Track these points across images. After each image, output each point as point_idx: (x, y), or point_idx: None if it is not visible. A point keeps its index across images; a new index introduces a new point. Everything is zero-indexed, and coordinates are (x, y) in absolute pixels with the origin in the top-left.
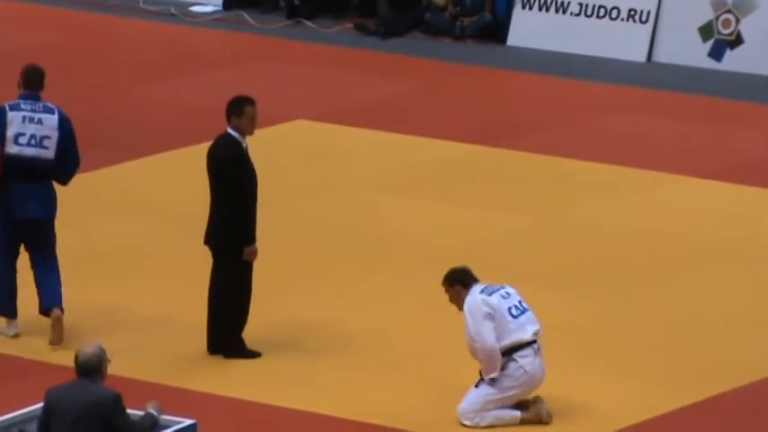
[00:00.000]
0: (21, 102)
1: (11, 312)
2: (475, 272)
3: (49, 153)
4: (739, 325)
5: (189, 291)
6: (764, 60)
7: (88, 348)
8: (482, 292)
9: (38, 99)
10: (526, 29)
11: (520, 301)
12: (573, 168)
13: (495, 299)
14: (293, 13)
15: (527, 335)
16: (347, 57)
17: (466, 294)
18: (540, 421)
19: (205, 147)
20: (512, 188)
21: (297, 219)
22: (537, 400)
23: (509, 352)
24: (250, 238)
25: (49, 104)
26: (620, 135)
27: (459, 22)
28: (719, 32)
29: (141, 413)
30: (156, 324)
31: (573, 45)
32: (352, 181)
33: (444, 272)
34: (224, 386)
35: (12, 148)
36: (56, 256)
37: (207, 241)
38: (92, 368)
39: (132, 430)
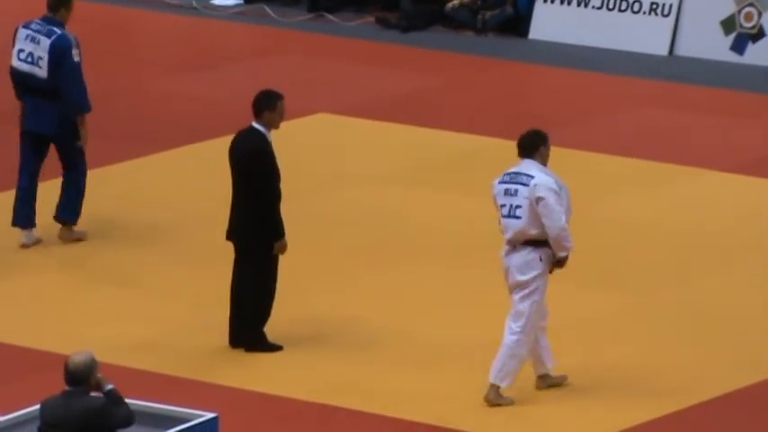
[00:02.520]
0: (35, 22)
1: (24, 223)
2: (496, 266)
3: (42, 72)
4: (765, 319)
5: (210, 285)
6: None
7: (78, 357)
8: (504, 174)
9: (51, 22)
10: (548, 22)
11: (517, 207)
12: (594, 162)
13: (497, 189)
14: (315, 7)
15: (504, 233)
16: (369, 50)
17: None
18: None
19: (226, 140)
20: None
21: (319, 212)
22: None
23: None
24: (280, 232)
25: (54, 29)
26: (641, 129)
27: (480, 16)
28: (742, 26)
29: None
30: (177, 318)
31: (595, 38)
32: (375, 174)
33: (466, 265)
34: (246, 380)
35: (13, 62)
36: (77, 170)
37: (231, 237)
38: (80, 378)
39: (125, 419)
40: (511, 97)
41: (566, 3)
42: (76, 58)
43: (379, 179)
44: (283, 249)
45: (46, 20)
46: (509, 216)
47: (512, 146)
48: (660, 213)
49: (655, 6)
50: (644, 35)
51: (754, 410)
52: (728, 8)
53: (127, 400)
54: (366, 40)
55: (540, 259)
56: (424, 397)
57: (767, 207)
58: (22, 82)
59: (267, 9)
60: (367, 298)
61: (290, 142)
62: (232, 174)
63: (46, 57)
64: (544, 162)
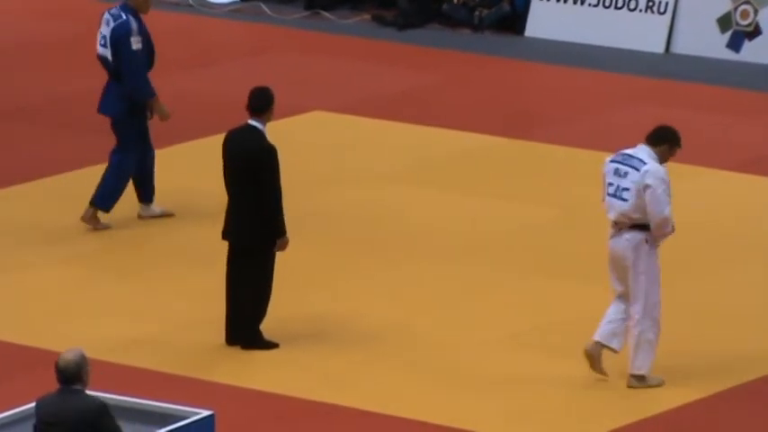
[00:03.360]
0: (115, 6)
1: (143, 197)
2: (496, 264)
3: (109, 54)
4: (764, 316)
5: (207, 282)
6: None
7: (68, 355)
8: (616, 153)
9: (124, 7)
10: (544, 20)
11: (624, 189)
12: (592, 159)
13: (608, 167)
14: (311, 4)
15: (607, 213)
16: (365, 48)
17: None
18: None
19: (219, 138)
20: (533, 180)
21: (316, 210)
22: None
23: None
24: (283, 229)
25: (122, 14)
26: (638, 126)
27: (477, 14)
28: (738, 23)
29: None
30: (174, 315)
31: (591, 36)
32: (371, 172)
33: (467, 263)
34: (242, 377)
35: (96, 47)
36: (119, 154)
37: (229, 236)
38: (71, 376)
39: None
40: (507, 95)
41: (562, 0)
42: (134, 46)
43: (376, 177)
44: (285, 246)
45: (122, 5)
46: (614, 196)
47: (509, 143)
48: None
49: (651, 4)
50: (640, 33)
51: (755, 406)
52: (724, 6)
53: (122, 398)
54: (362, 38)
55: (646, 241)
56: (427, 396)
57: (764, 205)
58: (102, 65)
59: (263, 6)
60: (365, 296)
61: (286, 140)
62: (229, 172)
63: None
64: (662, 160)
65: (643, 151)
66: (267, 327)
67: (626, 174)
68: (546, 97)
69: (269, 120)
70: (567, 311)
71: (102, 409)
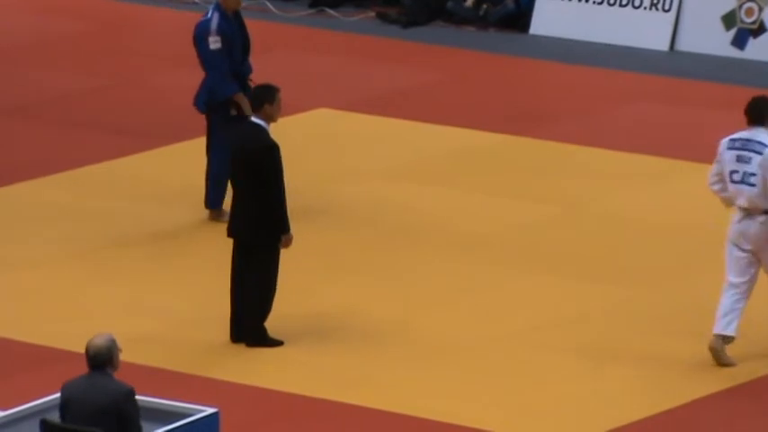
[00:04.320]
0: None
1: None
2: (498, 261)
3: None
4: (761, 313)
5: (210, 279)
6: None
7: (98, 340)
8: (731, 140)
9: (215, 5)
10: (549, 17)
11: (750, 174)
12: (596, 157)
13: (728, 155)
14: (315, 2)
15: (735, 201)
16: (369, 46)
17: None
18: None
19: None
20: (536, 177)
21: (320, 207)
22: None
23: None
24: (287, 226)
25: (209, 12)
26: (643, 124)
27: (481, 11)
28: (742, 21)
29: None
30: (178, 313)
31: (595, 34)
32: (376, 169)
33: (470, 261)
34: (247, 375)
35: None
36: (213, 155)
37: (234, 233)
38: (102, 360)
39: (138, 428)
40: (511, 92)
41: None
42: (212, 45)
43: (381, 174)
44: (289, 243)
45: (215, 3)
46: (742, 182)
47: (513, 141)
48: (661, 208)
49: (655, 1)
50: (645, 30)
51: (755, 404)
52: (729, 3)
53: None
54: (367, 36)
55: None
56: (430, 393)
57: None
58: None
59: (268, 4)
60: (370, 293)
61: (290, 137)
62: (234, 169)
63: None
64: None
65: (758, 133)
66: (271, 324)
67: (750, 159)
68: (550, 95)
69: (272, 115)
70: (569, 309)
71: (131, 394)
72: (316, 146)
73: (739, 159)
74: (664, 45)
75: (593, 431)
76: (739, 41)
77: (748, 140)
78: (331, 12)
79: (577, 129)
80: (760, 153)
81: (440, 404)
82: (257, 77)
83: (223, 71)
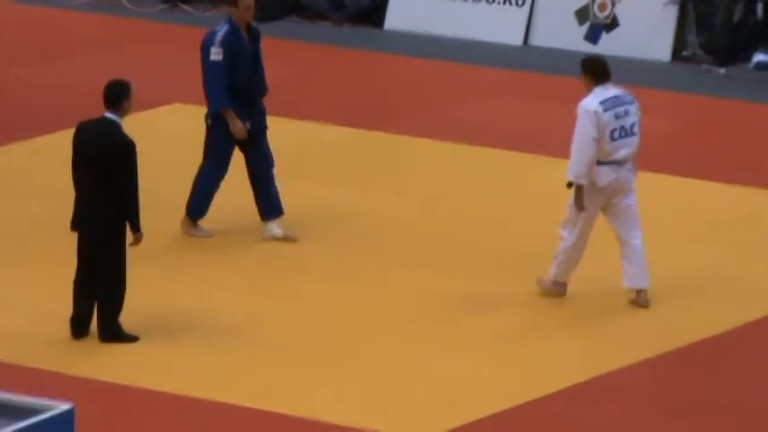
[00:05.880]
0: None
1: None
2: (356, 253)
3: None
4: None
5: (62, 274)
6: (640, 44)
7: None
8: (602, 103)
9: (227, 18)
10: (403, 12)
11: (632, 125)
12: (449, 151)
13: (606, 117)
14: None
15: (614, 156)
16: None
17: (591, 88)
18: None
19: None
20: (391, 171)
21: (175, 201)
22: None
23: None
24: (139, 224)
25: (220, 24)
26: (498, 117)
27: (337, 6)
28: (595, 16)
29: None
30: (30, 308)
31: (450, 29)
32: (231, 165)
33: (338, 253)
34: (101, 370)
35: None
36: (206, 165)
37: (82, 227)
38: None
39: None
40: (368, 87)
41: None
42: (213, 57)
43: (235, 169)
44: (140, 241)
45: (228, 16)
46: (626, 135)
47: (370, 135)
48: (516, 201)
49: None
50: (499, 25)
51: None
52: None
53: None
54: None
55: None
56: (281, 387)
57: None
58: None
59: None
60: (225, 289)
61: (145, 132)
62: (82, 165)
63: None
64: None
65: (616, 88)
66: (126, 320)
67: (627, 112)
68: (404, 90)
69: (126, 113)
70: (425, 303)
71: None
72: (170, 141)
73: (617, 117)
74: (518, 40)
75: (435, 429)
76: (592, 36)
77: (616, 97)
78: (185, 7)
79: (434, 123)
80: (633, 102)
81: (292, 398)
82: (112, 72)
83: (218, 84)
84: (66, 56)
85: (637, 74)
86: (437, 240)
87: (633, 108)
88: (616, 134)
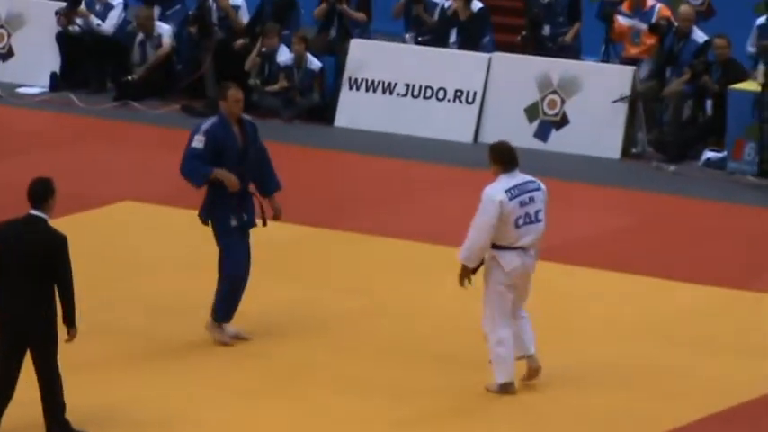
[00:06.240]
0: None
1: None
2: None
3: None
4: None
5: None
6: (589, 141)
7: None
8: (507, 192)
9: (219, 112)
10: (353, 110)
11: (537, 212)
12: (402, 248)
13: (511, 205)
14: (121, 95)
15: (520, 242)
16: (175, 138)
17: (498, 174)
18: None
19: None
20: (341, 269)
21: (122, 298)
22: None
23: (494, 247)
24: (75, 319)
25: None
26: (447, 215)
27: (288, 103)
28: (545, 113)
29: None
30: None
31: (400, 126)
32: (180, 260)
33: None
34: None
35: None
36: (222, 269)
37: (15, 328)
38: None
39: None
40: (317, 184)
41: (371, 90)
42: (194, 144)
43: (185, 265)
44: (74, 337)
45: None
46: (531, 222)
47: (319, 233)
48: (464, 300)
49: (459, 94)
50: (449, 122)
51: None
52: (532, 96)
53: None
54: (172, 128)
55: None
56: None
57: (572, 292)
58: None
59: (72, 97)
60: (159, 384)
61: (94, 230)
62: (11, 264)
63: None
64: None
65: (521, 174)
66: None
67: (532, 199)
68: (354, 186)
69: (51, 210)
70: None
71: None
72: (120, 238)
73: (522, 204)
74: (468, 137)
75: None
76: (542, 133)
77: (522, 183)
78: (136, 105)
79: (384, 220)
80: (539, 189)
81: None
82: (62, 170)
83: (193, 164)
84: (17, 153)
85: (587, 171)
86: (389, 336)
87: (539, 195)
88: (521, 221)
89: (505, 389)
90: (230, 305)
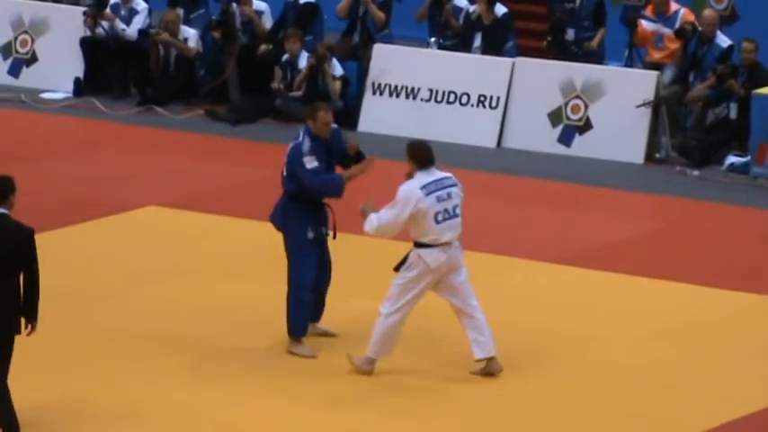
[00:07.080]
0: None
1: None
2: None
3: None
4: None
5: None
6: (613, 145)
7: None
8: (423, 188)
9: (305, 129)
10: (377, 115)
11: (455, 207)
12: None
13: (428, 201)
14: (144, 100)
15: (441, 239)
16: (198, 143)
17: (413, 172)
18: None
19: (56, 233)
20: (362, 274)
21: (147, 303)
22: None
23: (418, 246)
24: (37, 313)
25: (299, 135)
26: (470, 220)
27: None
28: (569, 118)
29: None
30: None
31: (423, 131)
32: (205, 267)
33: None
34: None
35: None
36: (291, 280)
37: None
38: None
39: None
40: None
41: (394, 95)
42: (309, 166)
43: (210, 271)
44: (35, 329)
45: (305, 127)
46: (450, 218)
47: (346, 238)
48: (487, 304)
49: (483, 99)
50: (472, 128)
51: None
52: (556, 101)
53: None
54: (195, 133)
55: None
56: None
57: (594, 297)
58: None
59: (96, 102)
60: (167, 386)
61: (120, 235)
62: None
63: None
64: None
65: (438, 171)
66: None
67: (449, 194)
68: (379, 191)
69: (12, 207)
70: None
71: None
72: (145, 243)
73: (440, 199)
74: (491, 142)
75: None
76: (566, 138)
77: (439, 180)
78: (159, 110)
79: None
80: (455, 185)
81: None
82: (87, 175)
83: (323, 179)
84: (43, 158)
85: (610, 176)
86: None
87: (455, 190)
88: (440, 217)
89: (367, 365)
90: (302, 318)
